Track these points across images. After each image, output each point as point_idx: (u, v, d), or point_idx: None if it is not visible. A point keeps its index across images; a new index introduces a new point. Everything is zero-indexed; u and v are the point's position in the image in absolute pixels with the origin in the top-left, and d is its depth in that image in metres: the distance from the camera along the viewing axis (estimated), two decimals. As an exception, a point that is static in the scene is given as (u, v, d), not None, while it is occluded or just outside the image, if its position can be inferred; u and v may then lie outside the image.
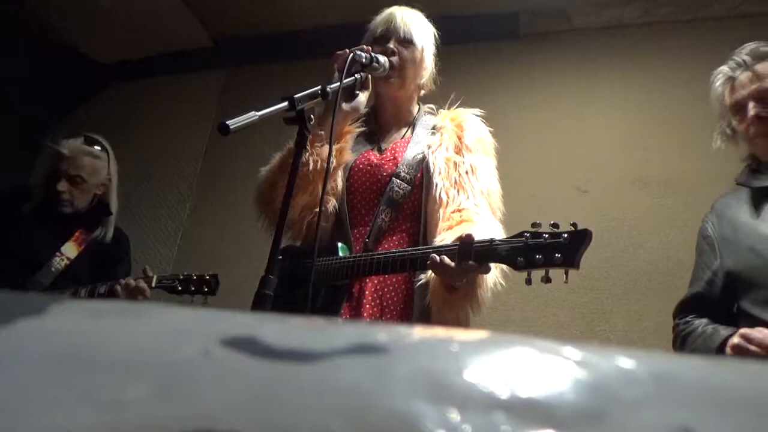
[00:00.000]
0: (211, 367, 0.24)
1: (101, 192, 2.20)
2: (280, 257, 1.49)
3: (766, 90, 1.50)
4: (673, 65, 2.78)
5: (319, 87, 1.20)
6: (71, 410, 0.21)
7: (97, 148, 2.19)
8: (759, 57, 1.55)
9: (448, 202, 1.40)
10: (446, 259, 1.22)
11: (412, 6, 1.64)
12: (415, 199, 1.46)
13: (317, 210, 1.40)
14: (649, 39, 2.91)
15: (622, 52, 2.93)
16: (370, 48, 1.46)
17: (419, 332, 0.27)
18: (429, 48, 1.60)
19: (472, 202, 1.41)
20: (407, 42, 1.54)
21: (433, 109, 1.65)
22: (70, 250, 2.11)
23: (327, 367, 0.24)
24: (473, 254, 1.21)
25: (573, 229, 1.19)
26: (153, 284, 1.94)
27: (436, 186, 1.42)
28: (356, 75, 1.38)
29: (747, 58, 1.56)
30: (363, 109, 1.51)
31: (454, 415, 0.21)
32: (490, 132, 1.58)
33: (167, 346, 0.25)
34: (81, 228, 2.16)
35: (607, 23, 3.01)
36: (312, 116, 1.19)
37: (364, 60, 1.39)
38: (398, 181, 1.46)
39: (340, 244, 1.43)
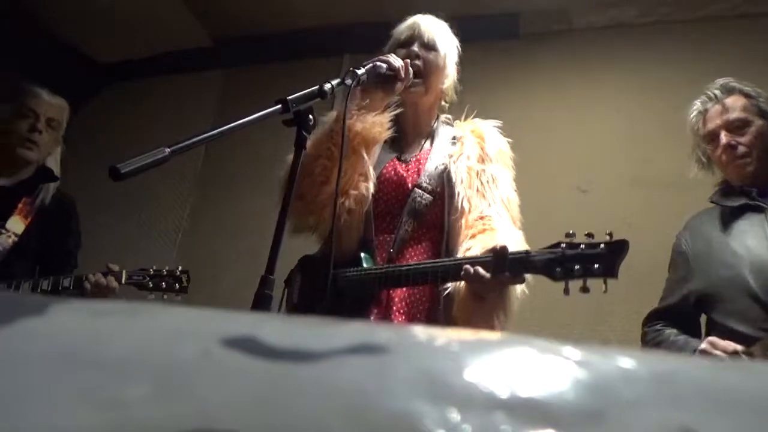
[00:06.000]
0: (212, 367, 0.23)
1: (51, 152, 1.96)
2: (300, 273, 1.48)
3: (734, 120, 1.63)
4: (673, 65, 2.78)
5: (316, 87, 1.18)
6: (71, 410, 0.21)
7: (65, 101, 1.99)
8: (728, 91, 1.68)
9: (470, 209, 1.40)
10: (481, 271, 1.21)
11: (434, 14, 1.63)
12: (437, 209, 1.45)
13: (352, 192, 1.38)
14: (649, 39, 2.91)
15: (622, 52, 2.93)
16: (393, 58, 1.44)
17: (419, 332, 0.27)
18: (452, 56, 1.59)
19: (495, 210, 1.41)
20: (431, 47, 1.53)
21: (449, 119, 1.65)
22: (15, 224, 1.84)
23: (327, 367, 0.24)
24: (508, 265, 1.21)
25: (609, 238, 1.21)
26: (123, 280, 1.77)
27: (458, 194, 1.42)
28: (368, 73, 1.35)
29: (717, 92, 1.69)
30: (396, 91, 1.48)
31: (454, 415, 0.21)
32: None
33: (167, 346, 0.25)
34: (24, 197, 1.87)
35: (607, 23, 3.01)
36: (311, 117, 1.16)
37: (384, 71, 1.37)
38: (420, 191, 1.45)
39: (363, 255, 1.40)
